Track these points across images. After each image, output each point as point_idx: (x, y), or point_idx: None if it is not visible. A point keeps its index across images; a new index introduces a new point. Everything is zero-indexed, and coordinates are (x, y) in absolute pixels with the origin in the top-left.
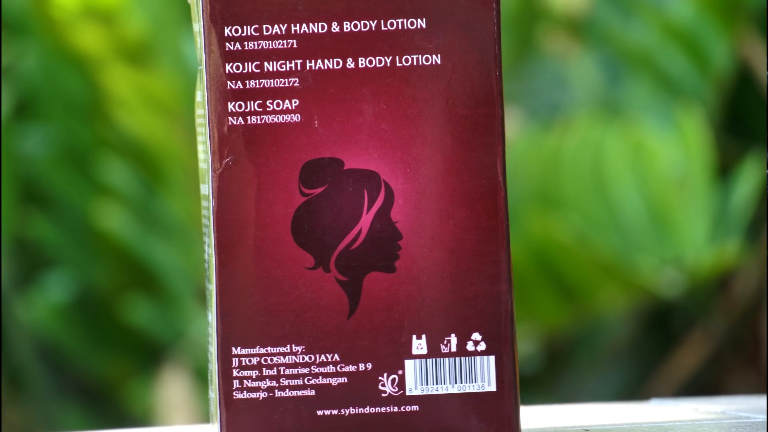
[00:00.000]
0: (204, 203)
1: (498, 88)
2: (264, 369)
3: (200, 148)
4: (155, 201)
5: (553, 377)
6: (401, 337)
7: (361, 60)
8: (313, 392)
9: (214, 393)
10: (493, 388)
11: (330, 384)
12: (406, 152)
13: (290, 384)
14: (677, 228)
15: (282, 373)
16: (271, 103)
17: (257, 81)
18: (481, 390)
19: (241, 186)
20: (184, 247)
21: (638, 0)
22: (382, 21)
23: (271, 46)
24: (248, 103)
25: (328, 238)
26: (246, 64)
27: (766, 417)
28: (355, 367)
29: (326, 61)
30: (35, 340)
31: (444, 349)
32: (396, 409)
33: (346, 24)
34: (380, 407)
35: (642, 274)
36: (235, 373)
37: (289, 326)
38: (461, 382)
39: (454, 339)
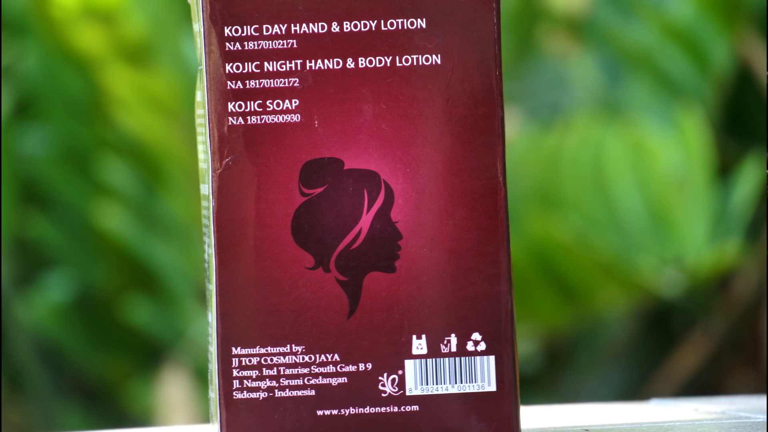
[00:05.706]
0: (204, 203)
1: (498, 88)
2: (264, 369)
3: (200, 148)
4: (155, 201)
5: (553, 377)
6: (401, 337)
7: (361, 60)
8: (313, 392)
9: (214, 393)
10: (493, 388)
11: (330, 384)
12: (406, 152)
13: (290, 384)
14: (677, 228)
15: (282, 373)
16: (271, 103)
17: (257, 81)
18: (481, 390)
19: (241, 186)
20: (184, 247)
21: (638, 0)
22: (382, 21)
23: (271, 46)
24: (248, 103)
25: (328, 238)
26: (246, 64)
27: (766, 417)
28: (355, 367)
29: (326, 61)
30: (35, 340)
31: (444, 349)
32: (396, 409)
33: (346, 24)
34: (380, 407)
35: (642, 274)
36: (235, 373)
37: (289, 326)
38: (461, 382)
39: (454, 339)
